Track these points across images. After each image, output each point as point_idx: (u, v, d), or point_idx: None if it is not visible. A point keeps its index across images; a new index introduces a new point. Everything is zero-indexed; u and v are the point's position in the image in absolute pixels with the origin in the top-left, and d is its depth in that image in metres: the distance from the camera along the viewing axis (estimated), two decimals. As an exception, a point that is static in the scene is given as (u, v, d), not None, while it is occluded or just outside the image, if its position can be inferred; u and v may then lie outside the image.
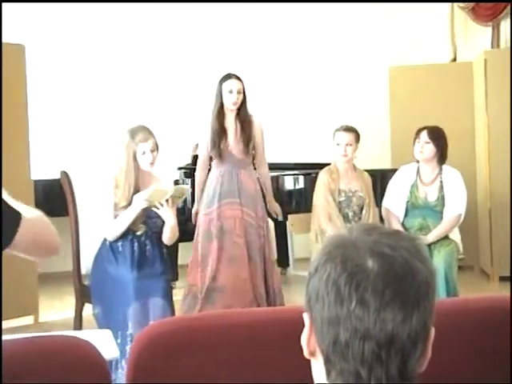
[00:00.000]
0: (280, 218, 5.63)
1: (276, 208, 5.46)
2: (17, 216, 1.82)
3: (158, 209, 4.15)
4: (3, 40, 5.75)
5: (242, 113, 5.12)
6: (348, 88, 8.55)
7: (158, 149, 4.27)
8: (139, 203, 4.14)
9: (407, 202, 5.11)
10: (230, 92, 5.05)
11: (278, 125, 8.39)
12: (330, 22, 8.55)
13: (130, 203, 4.18)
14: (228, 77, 5.11)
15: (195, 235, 5.17)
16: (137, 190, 4.20)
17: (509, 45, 7.64)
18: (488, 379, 1.59)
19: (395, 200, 5.15)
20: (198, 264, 5.08)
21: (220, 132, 5.08)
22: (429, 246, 4.84)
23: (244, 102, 5.11)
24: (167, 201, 4.14)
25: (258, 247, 5.10)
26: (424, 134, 5.06)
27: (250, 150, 5.15)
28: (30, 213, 1.92)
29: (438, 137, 5.07)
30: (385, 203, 5.21)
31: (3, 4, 7.36)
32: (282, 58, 8.47)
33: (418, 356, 1.09)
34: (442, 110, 7.26)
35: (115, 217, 4.20)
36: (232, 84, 5.06)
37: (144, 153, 4.20)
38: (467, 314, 1.64)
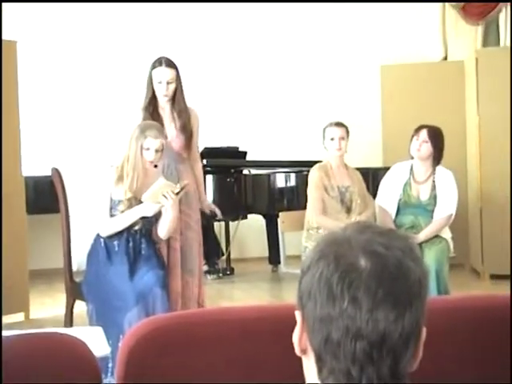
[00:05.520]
0: (218, 216, 5.08)
1: (211, 205, 4.95)
2: None
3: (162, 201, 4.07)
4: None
5: (176, 102, 4.58)
6: (340, 86, 8.56)
7: (163, 152, 4.19)
8: (149, 209, 4.09)
9: (399, 200, 5.12)
10: (159, 83, 4.52)
11: (269, 123, 8.41)
12: (322, 21, 8.54)
13: (135, 195, 4.13)
14: (157, 64, 4.54)
15: None
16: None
17: (501, 44, 7.67)
18: (479, 378, 1.59)
19: (388, 198, 5.15)
20: None
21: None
22: (420, 244, 4.84)
23: (178, 90, 4.57)
24: (177, 194, 4.11)
25: (196, 254, 4.64)
26: (424, 133, 5.06)
27: (189, 143, 4.64)
28: None
29: (436, 137, 5.07)
30: (378, 201, 5.21)
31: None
32: (273, 56, 8.46)
33: (409, 356, 1.10)
34: (433, 108, 7.27)
35: (111, 209, 4.15)
36: (161, 73, 4.51)
37: (148, 149, 4.11)
38: (458, 312, 1.65)
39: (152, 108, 4.60)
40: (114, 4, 8.01)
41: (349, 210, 5.08)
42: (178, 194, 4.12)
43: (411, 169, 5.17)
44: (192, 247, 4.62)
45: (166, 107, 4.63)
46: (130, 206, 4.13)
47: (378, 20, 8.62)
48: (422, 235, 4.94)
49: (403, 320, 1.06)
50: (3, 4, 7.44)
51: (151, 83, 4.57)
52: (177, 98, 4.59)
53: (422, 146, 5.06)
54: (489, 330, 1.61)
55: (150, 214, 4.14)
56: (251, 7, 8.37)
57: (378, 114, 7.92)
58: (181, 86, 4.62)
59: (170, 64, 4.57)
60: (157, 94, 4.58)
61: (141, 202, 4.13)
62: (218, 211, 4.95)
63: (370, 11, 8.61)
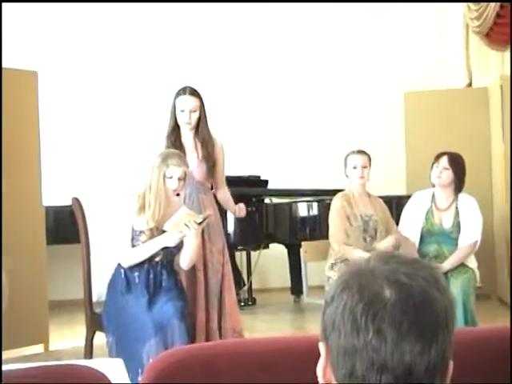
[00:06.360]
0: (241, 214, 4.87)
1: (240, 205, 4.81)
2: None
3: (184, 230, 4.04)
4: (16, 66, 5.81)
5: (200, 132, 4.58)
6: (363, 113, 8.54)
7: (185, 180, 4.18)
8: (171, 238, 4.08)
9: (422, 228, 5.07)
10: (182, 111, 4.54)
11: (291, 151, 8.40)
12: (345, 49, 8.56)
13: (157, 225, 4.11)
14: (181, 92, 4.57)
15: None
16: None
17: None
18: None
19: (410, 226, 5.10)
20: None
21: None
22: (445, 273, 4.78)
23: (201, 119, 4.58)
24: (200, 223, 4.07)
25: (215, 285, 4.58)
26: (444, 160, 5.03)
27: (212, 173, 4.62)
28: None
29: (457, 164, 5.03)
30: (400, 230, 5.16)
31: (15, 30, 7.42)
32: (295, 84, 8.47)
33: (436, 389, 1.06)
34: (457, 135, 7.21)
35: (133, 240, 4.13)
36: (184, 102, 4.54)
37: (171, 177, 4.10)
38: (487, 344, 1.60)
39: (174, 137, 4.59)
40: (135, 33, 8.08)
41: (372, 240, 5.03)
42: (200, 223, 4.09)
43: (433, 196, 5.13)
44: (211, 279, 4.57)
45: (188, 136, 4.62)
46: (152, 237, 4.11)
47: (401, 46, 8.62)
48: (448, 264, 4.87)
49: (429, 352, 1.04)
50: (24, 33, 7.55)
51: (174, 111, 4.58)
52: (200, 127, 4.59)
53: (442, 173, 5.02)
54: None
55: (171, 243, 4.11)
56: (273, 33, 8.41)
57: (401, 141, 7.89)
58: (205, 116, 4.61)
59: (194, 93, 4.57)
60: (179, 122, 4.57)
61: (163, 232, 4.11)
62: (242, 207, 4.79)
63: (394, 37, 8.62)
